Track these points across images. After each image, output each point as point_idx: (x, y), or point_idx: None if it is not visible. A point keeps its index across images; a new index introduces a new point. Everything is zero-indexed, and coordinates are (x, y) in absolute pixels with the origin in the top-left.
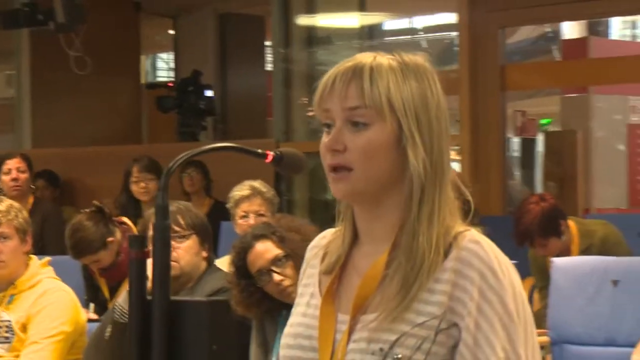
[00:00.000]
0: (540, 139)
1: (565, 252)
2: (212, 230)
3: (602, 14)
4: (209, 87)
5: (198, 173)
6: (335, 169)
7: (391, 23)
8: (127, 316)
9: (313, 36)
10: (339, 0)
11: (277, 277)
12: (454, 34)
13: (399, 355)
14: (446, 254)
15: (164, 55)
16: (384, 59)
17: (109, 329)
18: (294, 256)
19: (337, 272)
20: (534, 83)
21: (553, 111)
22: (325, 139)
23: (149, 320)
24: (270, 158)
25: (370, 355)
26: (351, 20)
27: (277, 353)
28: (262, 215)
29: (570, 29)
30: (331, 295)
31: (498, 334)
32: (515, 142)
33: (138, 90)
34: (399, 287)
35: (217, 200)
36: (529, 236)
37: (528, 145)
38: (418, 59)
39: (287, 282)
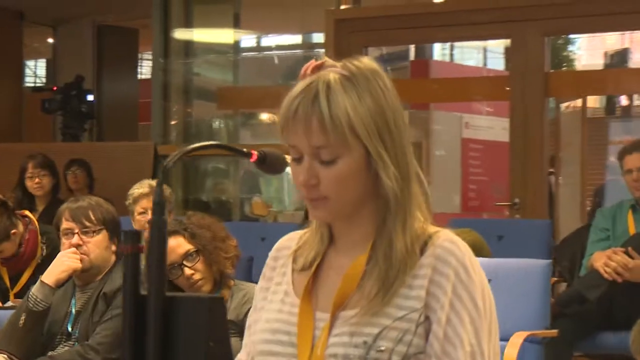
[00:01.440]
0: None
1: None
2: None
3: (459, 38)
4: (90, 92)
5: (82, 171)
6: (315, 199)
7: (263, 39)
8: (41, 305)
9: (190, 48)
10: (214, 16)
11: (188, 271)
12: (322, 50)
13: (382, 348)
14: (422, 252)
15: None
16: (337, 78)
17: (22, 317)
18: (204, 252)
19: (313, 271)
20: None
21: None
22: (295, 169)
23: (142, 316)
24: (254, 157)
25: (353, 348)
26: (226, 35)
27: None
28: None
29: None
30: (308, 293)
31: (466, 329)
32: None
33: (20, 93)
34: (379, 284)
35: (99, 197)
36: None
37: None
38: (365, 64)
39: (197, 276)
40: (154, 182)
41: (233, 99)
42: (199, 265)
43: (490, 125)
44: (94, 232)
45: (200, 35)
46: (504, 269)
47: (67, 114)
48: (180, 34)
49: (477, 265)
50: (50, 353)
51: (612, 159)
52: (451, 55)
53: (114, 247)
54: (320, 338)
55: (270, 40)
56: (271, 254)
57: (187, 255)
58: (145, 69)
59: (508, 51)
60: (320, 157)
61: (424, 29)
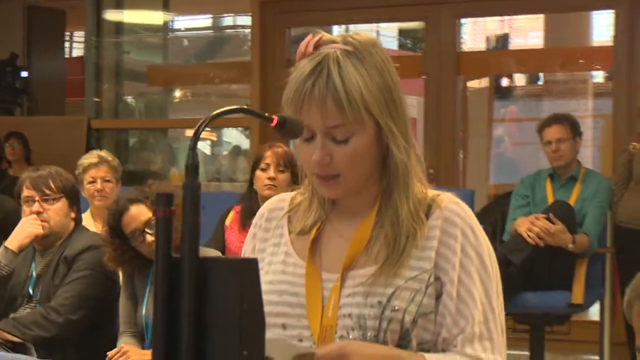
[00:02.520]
0: None
1: None
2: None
3: (376, 20)
4: (24, 69)
5: (19, 143)
6: (324, 177)
7: (192, 20)
8: (5, 270)
9: (120, 28)
10: None
11: (149, 237)
12: (247, 31)
13: (396, 307)
14: (428, 214)
15: None
16: (343, 56)
17: None
18: None
19: (315, 234)
20: None
21: None
22: (305, 148)
23: (175, 279)
24: (275, 122)
25: (369, 307)
26: (155, 16)
27: (146, 305)
28: (108, 181)
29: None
30: (312, 255)
31: (477, 288)
32: None
33: None
34: (388, 248)
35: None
36: None
37: None
38: (365, 38)
39: None
40: (102, 153)
41: (162, 76)
42: None
43: None
44: (53, 199)
45: (131, 16)
46: None
47: (2, 89)
48: (111, 14)
49: (480, 226)
50: (12, 315)
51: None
52: None
53: (73, 214)
54: (330, 298)
55: (198, 21)
56: (261, 214)
57: (149, 223)
58: (73, 49)
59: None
60: (334, 136)
61: (343, 10)
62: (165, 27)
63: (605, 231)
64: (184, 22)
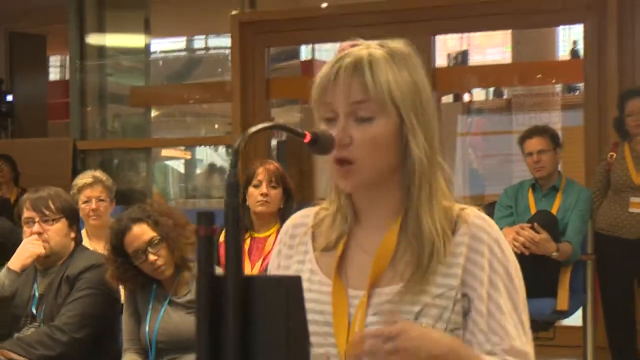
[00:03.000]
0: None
1: None
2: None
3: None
4: (9, 93)
5: (7, 165)
6: (341, 161)
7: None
8: (8, 290)
9: (103, 51)
10: (126, 22)
11: (152, 257)
12: (227, 51)
13: (424, 324)
14: (454, 230)
15: None
16: (377, 51)
17: None
18: (167, 238)
19: (341, 250)
20: (290, 94)
21: (295, 118)
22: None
23: (218, 298)
24: (308, 138)
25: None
26: (137, 39)
27: (148, 322)
28: (102, 200)
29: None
30: (338, 272)
31: (506, 303)
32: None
33: None
34: (414, 263)
35: (24, 188)
36: None
37: (282, 146)
38: (402, 46)
39: (160, 261)
40: (97, 173)
41: (144, 97)
42: (163, 251)
43: None
44: (53, 220)
45: (113, 39)
46: None
47: None
48: (94, 38)
49: (505, 241)
50: (16, 335)
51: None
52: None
53: (72, 234)
54: (357, 316)
55: (179, 43)
56: (285, 230)
57: (151, 242)
58: (53, 72)
59: None
60: (357, 115)
61: (321, 30)
62: (147, 50)
63: (586, 239)
64: (165, 44)
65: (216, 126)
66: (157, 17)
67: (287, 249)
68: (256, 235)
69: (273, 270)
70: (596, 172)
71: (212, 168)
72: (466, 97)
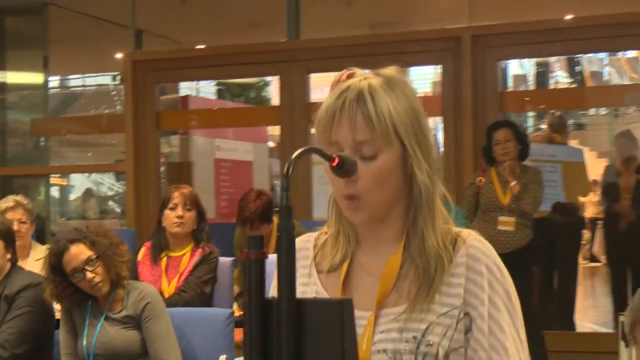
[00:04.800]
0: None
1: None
2: None
3: (236, 76)
4: None
5: None
6: (350, 197)
7: (70, 80)
8: None
9: (4, 87)
10: (26, 60)
11: (89, 275)
12: (121, 86)
13: (430, 342)
14: (453, 250)
15: None
16: (374, 81)
17: None
18: (104, 257)
19: (345, 272)
20: (177, 126)
21: (175, 147)
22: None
23: (269, 321)
24: (336, 162)
25: (404, 343)
26: (36, 76)
27: (86, 336)
28: (24, 222)
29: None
30: (343, 293)
31: (507, 321)
32: None
33: None
34: (419, 283)
35: None
36: (251, 221)
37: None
38: (395, 73)
39: (97, 279)
40: (18, 197)
41: (43, 128)
42: (99, 269)
43: (236, 148)
44: None
45: (14, 77)
46: None
47: None
48: None
49: (501, 262)
50: None
51: None
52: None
53: (9, 255)
54: (364, 335)
55: (75, 80)
56: None
57: (88, 261)
58: None
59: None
60: (361, 153)
61: (206, 68)
62: (46, 85)
63: None
64: (62, 81)
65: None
66: (55, 56)
67: (302, 269)
68: (172, 254)
69: (272, 290)
70: (466, 195)
71: (90, 193)
72: None
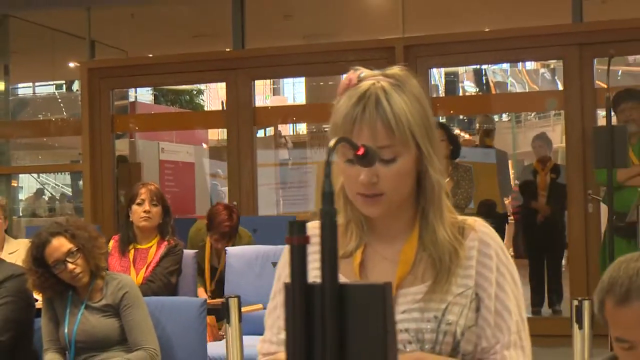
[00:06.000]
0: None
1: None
2: None
3: (186, 82)
4: None
5: None
6: (372, 195)
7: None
8: None
9: None
10: None
11: (70, 266)
12: (79, 92)
13: (450, 321)
14: (462, 236)
15: None
16: (386, 84)
17: None
18: (83, 249)
19: (360, 257)
20: (129, 129)
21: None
22: (349, 169)
23: (312, 306)
24: (362, 151)
25: (426, 322)
26: None
27: (67, 324)
28: None
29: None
30: (360, 276)
31: (512, 302)
32: None
33: None
34: (435, 267)
35: None
36: (228, 235)
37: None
38: (401, 73)
39: (78, 270)
40: None
41: (4, 132)
42: (80, 261)
43: (178, 150)
44: None
45: None
46: (264, 252)
47: None
48: None
49: (506, 248)
50: None
51: None
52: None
53: None
54: None
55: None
56: None
57: (69, 253)
58: None
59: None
60: (381, 156)
61: (157, 75)
62: (7, 92)
63: None
64: (24, 88)
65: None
66: (16, 65)
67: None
68: (139, 246)
69: (283, 277)
70: None
71: (40, 192)
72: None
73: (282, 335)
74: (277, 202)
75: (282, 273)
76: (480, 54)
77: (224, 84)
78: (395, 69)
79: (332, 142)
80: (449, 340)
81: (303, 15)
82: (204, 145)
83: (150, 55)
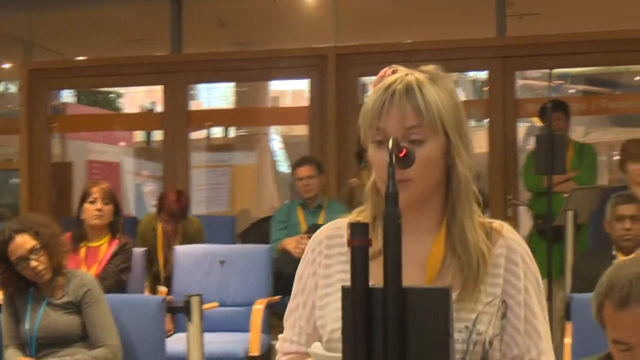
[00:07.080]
0: None
1: None
2: None
3: (127, 84)
4: None
5: None
6: (400, 180)
7: None
8: None
9: None
10: None
11: (34, 263)
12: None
13: (480, 331)
14: (490, 242)
15: None
16: (420, 76)
17: None
18: (47, 246)
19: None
20: (66, 129)
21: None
22: (379, 153)
23: (372, 309)
24: (404, 152)
25: (457, 332)
26: None
27: (29, 320)
28: None
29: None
30: None
31: (538, 308)
32: None
33: None
34: (466, 276)
35: None
36: (177, 216)
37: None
38: (434, 69)
39: (41, 267)
40: None
41: None
42: (43, 258)
43: (105, 150)
44: None
45: None
46: (236, 252)
47: None
48: None
49: (530, 252)
50: None
51: None
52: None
53: None
54: None
55: None
56: (319, 240)
57: (33, 250)
58: None
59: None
60: (409, 138)
61: (101, 77)
62: None
63: None
64: None
65: None
66: None
67: (325, 258)
68: (90, 244)
69: (304, 277)
70: (342, 193)
71: None
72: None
73: (304, 336)
74: (207, 202)
75: (304, 272)
76: (409, 64)
77: (143, 89)
78: (430, 67)
79: (391, 144)
80: (478, 350)
81: (237, 22)
82: (122, 144)
83: (90, 58)
